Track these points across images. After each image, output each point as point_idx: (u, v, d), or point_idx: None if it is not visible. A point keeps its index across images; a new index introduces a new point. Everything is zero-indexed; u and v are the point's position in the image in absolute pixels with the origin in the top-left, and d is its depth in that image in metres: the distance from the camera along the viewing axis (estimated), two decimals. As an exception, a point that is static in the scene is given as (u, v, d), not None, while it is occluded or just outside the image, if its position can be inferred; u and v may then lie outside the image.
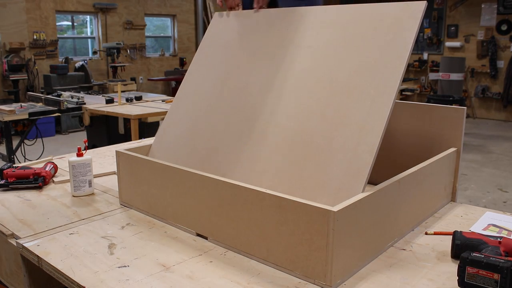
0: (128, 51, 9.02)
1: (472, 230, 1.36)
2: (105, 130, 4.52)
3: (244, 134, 1.50)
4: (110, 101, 4.25)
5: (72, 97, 4.43)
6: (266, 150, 1.42)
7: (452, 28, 9.05)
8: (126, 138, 4.04)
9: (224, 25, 1.84)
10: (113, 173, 1.96)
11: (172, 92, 9.29)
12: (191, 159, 1.55)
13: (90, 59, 8.48)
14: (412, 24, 1.30)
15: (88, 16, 8.76)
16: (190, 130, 1.66)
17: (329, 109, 1.34)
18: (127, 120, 3.89)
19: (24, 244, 1.28)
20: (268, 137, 1.44)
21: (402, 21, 1.32)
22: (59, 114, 4.02)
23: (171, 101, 4.35)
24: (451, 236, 1.22)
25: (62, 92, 4.73)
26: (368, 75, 1.31)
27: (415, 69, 9.55)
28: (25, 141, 4.35)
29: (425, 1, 1.32)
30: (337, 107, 1.33)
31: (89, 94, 5.21)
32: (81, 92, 5.49)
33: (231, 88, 1.64)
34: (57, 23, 8.15)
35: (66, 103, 4.05)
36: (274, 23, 1.67)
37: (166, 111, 3.84)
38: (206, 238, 1.32)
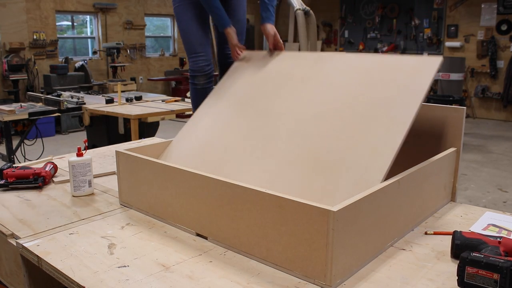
0: (128, 51, 9.01)
1: (472, 230, 1.36)
2: (105, 130, 4.52)
3: (257, 149, 1.55)
4: (110, 101, 4.24)
5: (72, 97, 4.42)
6: (278, 163, 1.46)
7: (452, 28, 9.04)
8: (126, 138, 4.03)
9: (252, 60, 1.98)
10: (113, 173, 1.96)
11: (172, 92, 9.28)
12: (201, 168, 1.58)
13: (90, 59, 8.47)
14: (428, 72, 1.41)
15: (88, 16, 8.76)
16: (205, 143, 1.71)
17: (344, 132, 1.42)
18: (127, 120, 3.88)
19: (24, 244, 1.28)
20: (281, 153, 1.49)
21: (420, 69, 1.44)
22: (59, 114, 4.01)
23: (171, 101, 4.36)
24: (450, 236, 1.22)
25: (62, 92, 4.72)
26: (385, 108, 1.40)
27: (415, 69, 9.55)
28: (25, 141, 4.34)
29: (441, 57, 1.44)
30: (352, 131, 1.41)
31: (89, 94, 5.20)
32: (81, 92, 5.48)
33: (251, 111, 1.71)
34: (57, 23, 8.15)
35: (66, 103, 4.04)
36: (300, 63, 1.78)
37: (166, 111, 3.87)
38: (206, 238, 1.32)
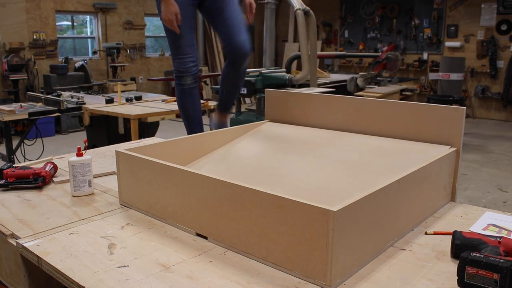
0: (128, 51, 9.01)
1: (471, 230, 1.36)
2: (105, 130, 4.51)
3: (266, 181, 1.63)
4: (110, 101, 4.24)
5: (72, 97, 4.42)
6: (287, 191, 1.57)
7: (452, 28, 9.04)
8: (126, 138, 4.02)
9: (273, 127, 2.17)
10: (113, 173, 1.96)
11: (172, 92, 9.28)
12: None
13: (90, 59, 8.47)
14: (435, 152, 1.57)
15: (88, 16, 8.76)
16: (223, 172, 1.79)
17: (356, 180, 1.54)
18: (127, 120, 3.88)
19: (24, 244, 1.28)
20: (291, 186, 1.58)
21: (429, 150, 1.60)
22: (59, 114, 4.02)
23: (171, 101, 4.35)
24: (450, 236, 1.22)
25: (62, 92, 4.71)
26: (394, 170, 1.47)
27: (415, 69, 9.54)
28: (25, 141, 4.34)
29: (449, 147, 1.59)
30: (362, 179, 1.53)
31: (89, 94, 5.19)
32: (81, 92, 5.48)
33: (268, 160, 1.84)
34: (57, 23, 8.14)
35: (66, 103, 4.04)
36: (320, 136, 1.98)
37: (166, 111, 3.87)
38: (206, 238, 1.32)
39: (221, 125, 2.46)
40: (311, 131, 2.05)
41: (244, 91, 4.72)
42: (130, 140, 3.70)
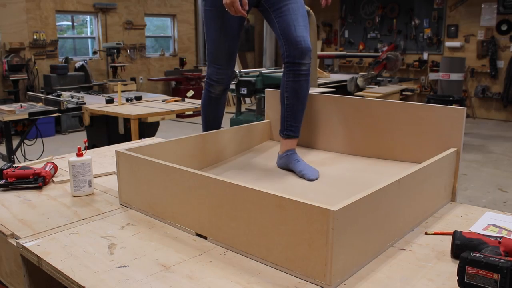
0: (128, 51, 9.01)
1: (472, 230, 1.36)
2: (105, 130, 4.51)
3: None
4: (110, 101, 4.24)
5: (72, 97, 4.42)
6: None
7: (452, 28, 9.04)
8: (126, 138, 4.02)
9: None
10: (113, 173, 1.96)
11: (172, 92, 9.27)
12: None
13: (90, 59, 8.47)
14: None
15: (88, 16, 8.76)
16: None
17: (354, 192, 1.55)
18: (127, 120, 3.88)
19: (24, 244, 1.28)
20: (286, 189, 1.62)
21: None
22: (59, 114, 4.01)
23: (171, 101, 4.36)
24: (451, 236, 1.22)
25: (62, 92, 4.71)
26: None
27: (415, 69, 9.54)
28: (25, 141, 4.34)
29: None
30: (346, 193, 1.53)
31: (89, 94, 5.19)
32: (81, 92, 5.48)
33: (269, 175, 1.87)
34: (57, 23, 8.14)
35: (66, 103, 4.04)
36: (319, 156, 2.06)
37: (166, 111, 3.87)
38: (205, 238, 1.32)
39: (288, 157, 1.93)
40: (313, 152, 2.08)
41: (244, 91, 4.71)
42: (130, 140, 3.69)
